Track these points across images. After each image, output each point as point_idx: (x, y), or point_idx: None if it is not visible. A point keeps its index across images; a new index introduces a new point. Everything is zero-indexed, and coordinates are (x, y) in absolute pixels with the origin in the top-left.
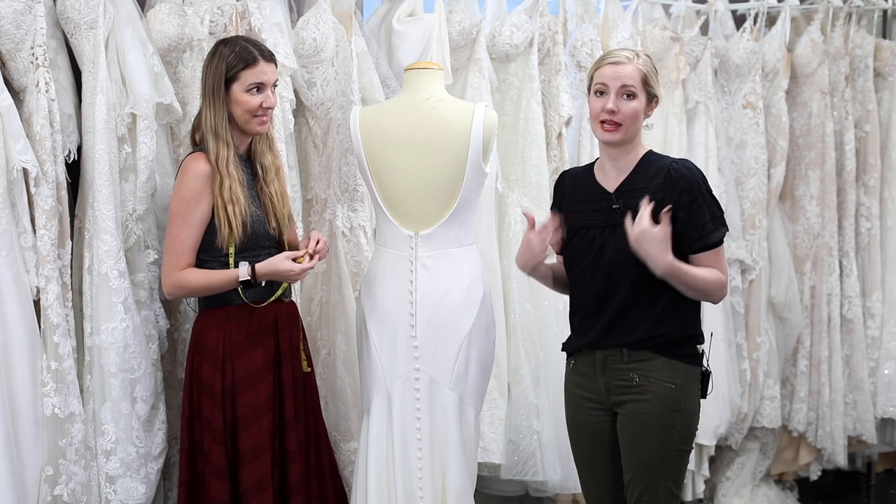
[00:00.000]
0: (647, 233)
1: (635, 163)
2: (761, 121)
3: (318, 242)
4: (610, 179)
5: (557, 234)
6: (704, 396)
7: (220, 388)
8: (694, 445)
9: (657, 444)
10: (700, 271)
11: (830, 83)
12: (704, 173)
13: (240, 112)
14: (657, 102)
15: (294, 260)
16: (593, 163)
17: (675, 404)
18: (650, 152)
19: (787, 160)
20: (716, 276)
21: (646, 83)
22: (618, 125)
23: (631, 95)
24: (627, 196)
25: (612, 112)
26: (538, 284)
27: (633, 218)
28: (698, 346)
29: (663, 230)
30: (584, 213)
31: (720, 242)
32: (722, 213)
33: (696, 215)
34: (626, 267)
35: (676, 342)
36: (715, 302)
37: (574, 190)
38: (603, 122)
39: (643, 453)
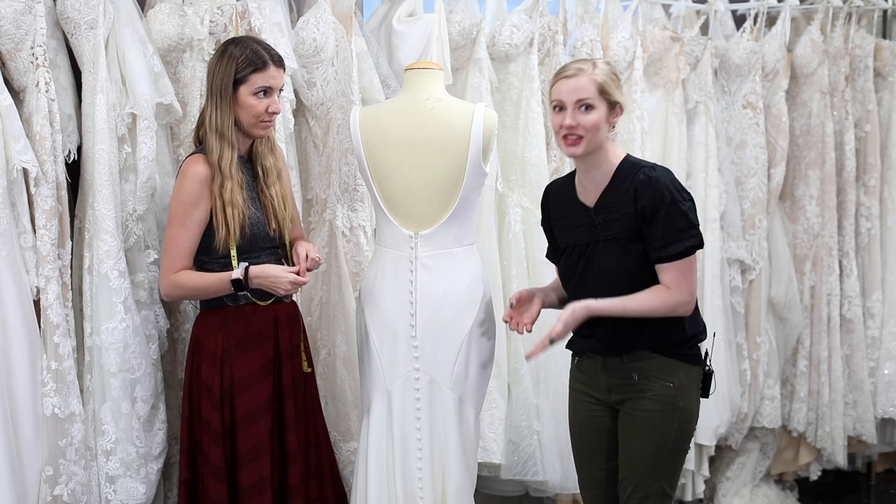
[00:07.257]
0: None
1: (610, 175)
2: (761, 121)
3: (307, 258)
4: (588, 194)
5: (533, 307)
6: (706, 396)
7: (219, 389)
8: (692, 445)
9: (653, 442)
10: (633, 301)
11: (830, 83)
12: (703, 173)
13: (245, 115)
14: (621, 109)
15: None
16: (573, 173)
17: (673, 403)
18: (625, 161)
19: (787, 160)
20: (659, 299)
21: (603, 92)
22: (580, 137)
23: (588, 107)
24: (606, 211)
25: (571, 127)
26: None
27: (617, 233)
28: (700, 346)
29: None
30: (570, 231)
31: (676, 256)
32: (690, 225)
33: (655, 227)
34: (613, 283)
35: (675, 343)
36: (680, 315)
37: (558, 206)
38: (565, 136)
39: (638, 451)
